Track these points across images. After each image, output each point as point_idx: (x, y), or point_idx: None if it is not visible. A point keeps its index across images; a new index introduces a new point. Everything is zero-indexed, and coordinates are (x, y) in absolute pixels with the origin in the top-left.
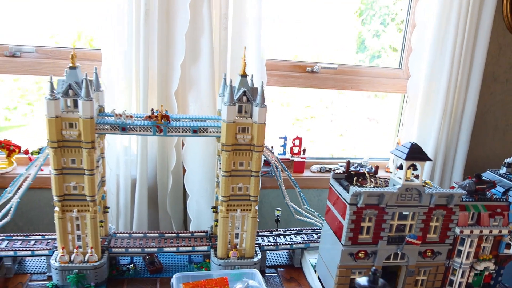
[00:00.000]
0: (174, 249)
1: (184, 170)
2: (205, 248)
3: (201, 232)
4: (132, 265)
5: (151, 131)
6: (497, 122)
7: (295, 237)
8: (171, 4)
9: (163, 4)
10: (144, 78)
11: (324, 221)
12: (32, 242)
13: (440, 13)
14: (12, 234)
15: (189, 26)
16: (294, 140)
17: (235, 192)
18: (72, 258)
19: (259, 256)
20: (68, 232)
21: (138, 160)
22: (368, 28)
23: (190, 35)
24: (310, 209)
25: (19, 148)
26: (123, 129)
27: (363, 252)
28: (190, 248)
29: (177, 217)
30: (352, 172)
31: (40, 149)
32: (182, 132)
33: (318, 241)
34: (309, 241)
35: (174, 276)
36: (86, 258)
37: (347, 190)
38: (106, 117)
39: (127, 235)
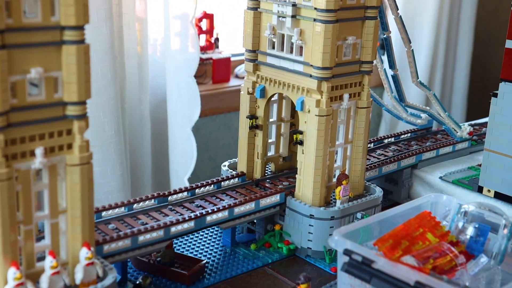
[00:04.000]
0: (225, 213)
1: None
2: (277, 197)
3: (229, 178)
4: (145, 277)
5: None
6: None
7: (385, 151)
8: None
9: None
10: None
11: (503, 83)
12: None
13: None
14: None
15: None
16: (199, 20)
17: (339, 59)
18: (42, 286)
19: (379, 189)
20: (19, 221)
21: None
22: None
23: None
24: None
25: None
26: None
27: None
28: (252, 206)
29: None
30: None
31: None
32: None
33: (436, 147)
34: (422, 150)
35: (333, 236)
36: (79, 276)
37: None
38: None
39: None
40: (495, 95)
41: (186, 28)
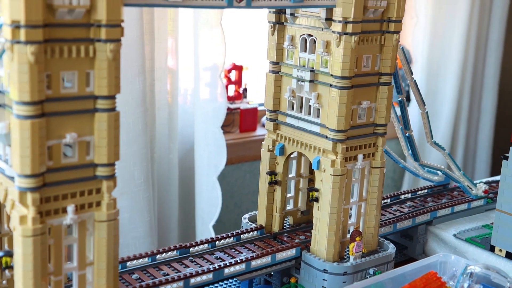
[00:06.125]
0: (242, 266)
1: None
2: (293, 252)
3: (248, 231)
4: None
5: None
6: None
7: (401, 207)
8: None
9: None
10: None
11: None
12: None
13: None
14: None
15: None
16: (229, 71)
17: (354, 122)
18: None
19: (392, 246)
20: (49, 272)
21: None
22: None
23: None
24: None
25: None
26: None
27: None
28: (268, 259)
29: None
30: None
31: None
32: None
33: (451, 204)
34: (438, 207)
35: None
36: None
37: None
38: None
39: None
40: (506, 158)
41: (215, 81)
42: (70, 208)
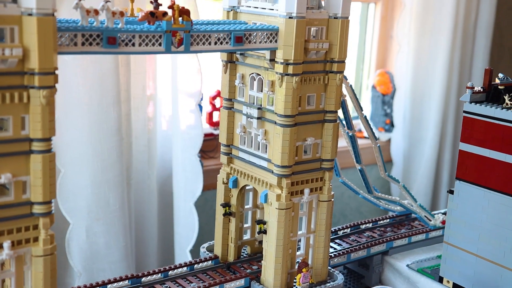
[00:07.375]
0: None
1: None
2: (242, 282)
3: (203, 260)
4: None
5: (161, 44)
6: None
7: (359, 237)
8: None
9: None
10: None
11: (458, 181)
12: None
13: None
14: None
15: None
16: (213, 98)
17: (299, 157)
18: None
19: (341, 276)
20: None
21: None
22: None
23: None
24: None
25: None
26: (110, 40)
27: None
28: None
29: None
30: (499, 87)
31: None
32: (216, 43)
33: (408, 235)
34: (394, 237)
35: None
36: None
37: None
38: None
39: None
40: (452, 192)
41: (193, 109)
42: (6, 244)
